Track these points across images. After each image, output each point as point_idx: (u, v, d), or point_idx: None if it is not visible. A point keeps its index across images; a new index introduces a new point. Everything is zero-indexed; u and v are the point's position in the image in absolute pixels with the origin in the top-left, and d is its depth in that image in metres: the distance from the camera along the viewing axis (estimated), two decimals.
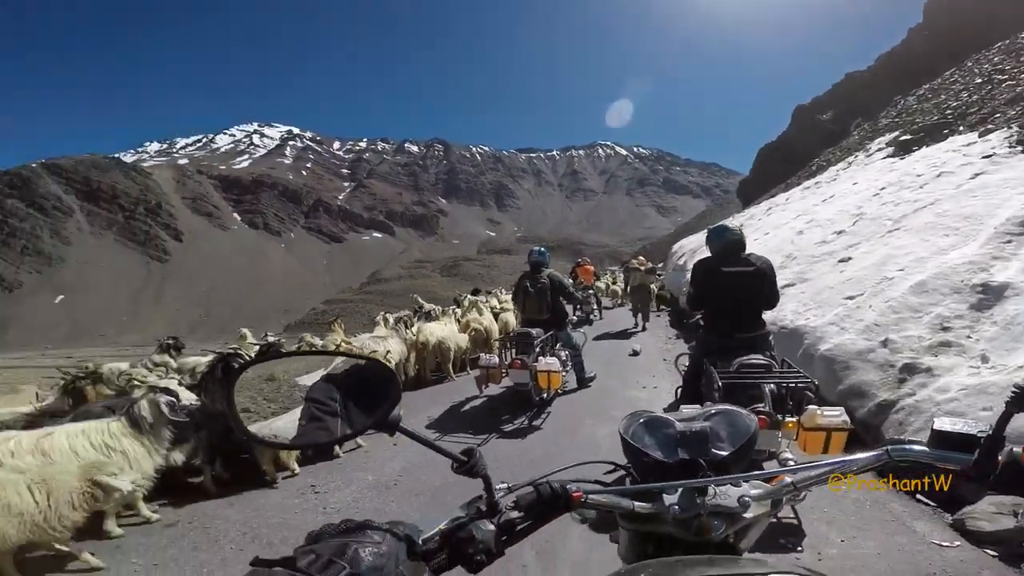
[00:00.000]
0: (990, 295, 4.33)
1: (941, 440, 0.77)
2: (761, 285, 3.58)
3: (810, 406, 2.70)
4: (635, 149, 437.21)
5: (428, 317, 9.56)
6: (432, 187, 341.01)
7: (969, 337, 4.02)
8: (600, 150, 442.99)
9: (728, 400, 2.98)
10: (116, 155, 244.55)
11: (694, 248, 15.15)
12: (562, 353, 6.33)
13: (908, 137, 12.99)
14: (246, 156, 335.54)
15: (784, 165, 36.99)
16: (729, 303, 3.62)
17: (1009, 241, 4.93)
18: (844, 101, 45.00)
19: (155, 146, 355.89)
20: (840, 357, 4.74)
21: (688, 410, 1.14)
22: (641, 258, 13.87)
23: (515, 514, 0.78)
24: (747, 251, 3.74)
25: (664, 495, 0.84)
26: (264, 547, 3.19)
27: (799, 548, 2.67)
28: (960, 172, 7.94)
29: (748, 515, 0.84)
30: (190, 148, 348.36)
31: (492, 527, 0.75)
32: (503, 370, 5.66)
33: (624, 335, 11.05)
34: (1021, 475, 0.71)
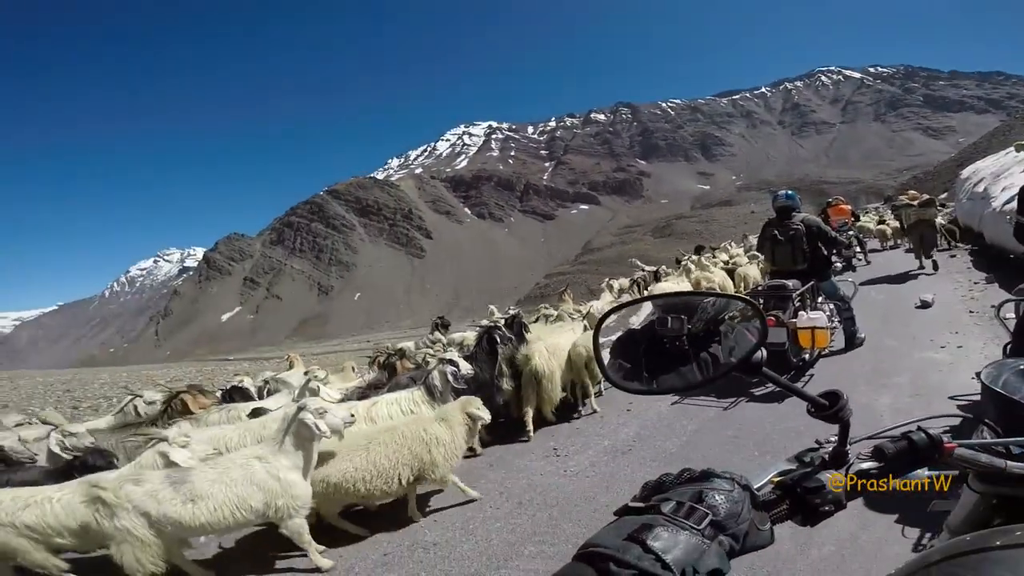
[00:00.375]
0: None
1: None
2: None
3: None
4: (872, 69, 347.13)
5: (656, 278, 9.44)
6: (628, 151, 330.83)
7: None
8: (823, 77, 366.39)
9: None
10: (371, 175, 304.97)
11: (995, 171, 11.80)
12: (826, 307, 5.54)
13: None
14: (463, 156, 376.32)
15: None
16: None
17: None
18: None
19: (395, 161, 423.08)
20: None
21: None
22: (912, 192, 11.80)
23: (869, 464, 0.72)
24: None
25: None
26: (516, 505, 3.47)
27: None
28: None
29: None
30: (420, 157, 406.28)
31: (841, 477, 0.71)
32: None
33: (903, 280, 9.21)
34: None
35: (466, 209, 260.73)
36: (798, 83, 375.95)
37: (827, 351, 5.27)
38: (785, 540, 2.48)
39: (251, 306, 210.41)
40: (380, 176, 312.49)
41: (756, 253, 9.18)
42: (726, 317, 0.77)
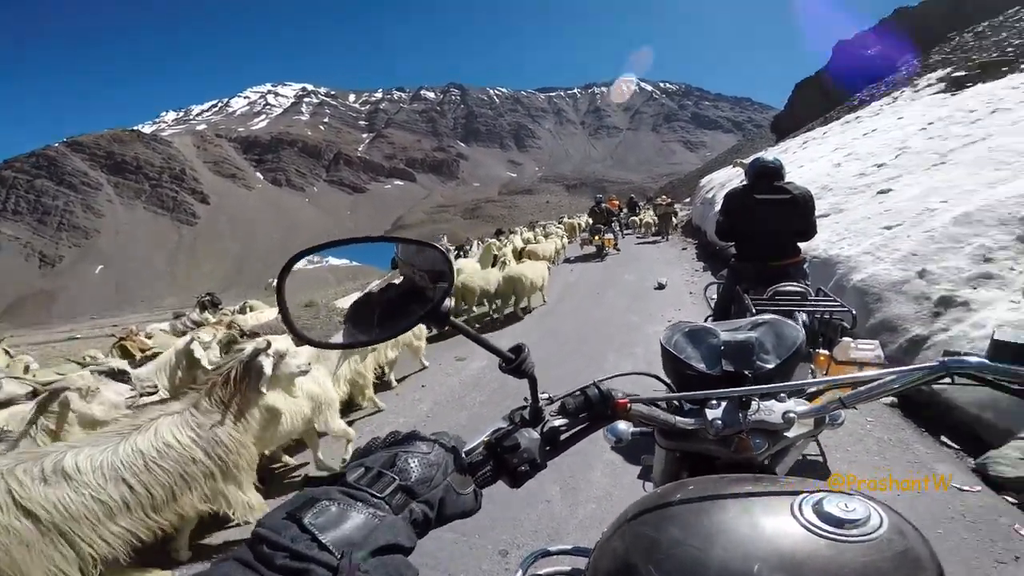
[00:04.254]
0: None
1: (1001, 350, 0.68)
2: (795, 212, 3.40)
3: (844, 338, 2.51)
4: (661, 84, 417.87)
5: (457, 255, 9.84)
6: (451, 132, 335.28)
7: (1012, 269, 3.88)
8: (624, 86, 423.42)
9: None
10: (135, 127, 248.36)
11: (723, 181, 15.31)
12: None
13: (962, 73, 12.69)
14: (263, 116, 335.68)
15: (822, 100, 36.15)
16: (762, 231, 3.45)
17: None
18: (891, 37, 44.06)
19: (171, 115, 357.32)
20: (873, 288, 4.61)
21: (734, 322, 1.05)
22: (664, 196, 19.53)
23: (559, 421, 0.73)
24: (785, 180, 3.56)
25: (707, 410, 0.79)
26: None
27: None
28: (1018, 109, 7.72)
29: (790, 434, 0.78)
30: (206, 114, 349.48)
31: (536, 435, 0.70)
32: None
33: (649, 264, 11.35)
34: None
35: (258, 174, 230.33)
36: (604, 88, 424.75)
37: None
38: (557, 502, 2.77)
39: None
40: (147, 130, 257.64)
41: (552, 230, 15.35)
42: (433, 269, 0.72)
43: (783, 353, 0.91)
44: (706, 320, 4.30)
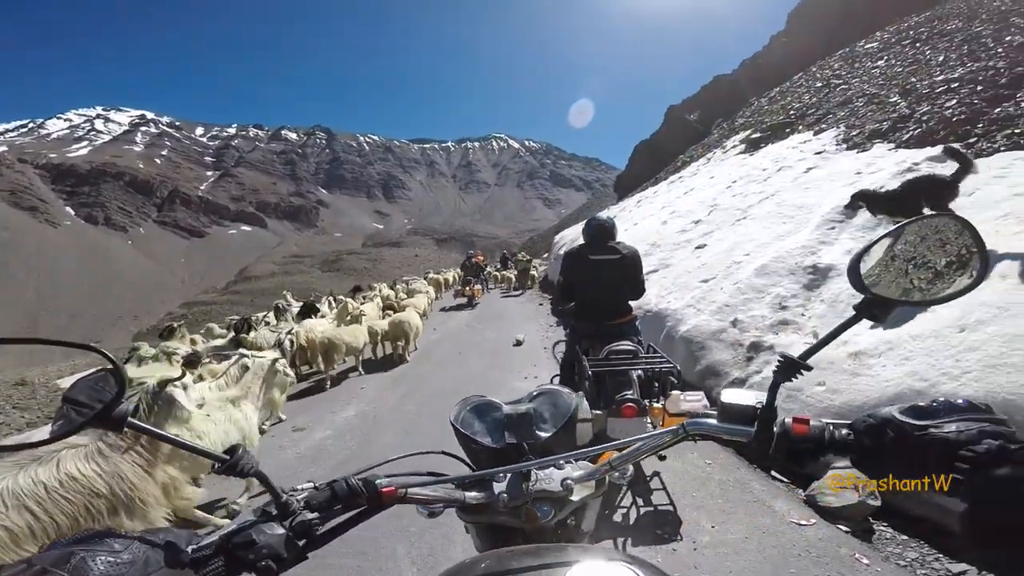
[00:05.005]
0: (818, 275, 4.71)
1: (727, 413, 0.76)
2: (626, 272, 3.52)
3: (674, 391, 2.62)
4: (527, 142, 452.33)
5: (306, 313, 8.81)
6: (312, 177, 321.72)
7: (803, 315, 4.31)
8: (495, 142, 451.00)
9: (598, 388, 2.96)
10: None
11: (573, 238, 16.33)
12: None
13: (757, 135, 14.44)
14: (85, 143, 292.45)
15: (655, 161, 39.80)
16: (596, 291, 3.54)
17: (832, 227, 5.46)
18: (711, 102, 48.21)
19: None
20: (697, 338, 4.87)
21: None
22: (523, 252, 22.13)
23: (310, 515, 0.69)
24: (617, 239, 3.66)
25: (494, 483, 0.84)
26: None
27: (678, 537, 2.67)
28: (796, 166, 8.90)
29: (575, 498, 0.85)
30: (11, 134, 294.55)
31: (280, 530, 0.66)
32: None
33: (510, 320, 11.34)
34: (793, 446, 0.69)
35: (68, 208, 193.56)
36: (476, 143, 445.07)
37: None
38: (403, 559, 2.66)
39: None
40: None
41: (419, 288, 14.21)
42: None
43: (559, 422, 0.97)
44: (552, 380, 4.31)
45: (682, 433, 0.80)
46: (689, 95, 59.47)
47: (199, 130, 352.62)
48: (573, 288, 3.70)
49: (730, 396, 0.77)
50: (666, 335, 5.37)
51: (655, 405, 2.76)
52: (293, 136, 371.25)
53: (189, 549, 0.60)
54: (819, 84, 16.25)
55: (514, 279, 18.31)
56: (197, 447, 0.72)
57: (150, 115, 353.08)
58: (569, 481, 0.83)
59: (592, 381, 2.93)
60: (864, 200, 4.87)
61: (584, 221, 3.96)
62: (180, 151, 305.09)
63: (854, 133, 9.12)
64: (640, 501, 3.00)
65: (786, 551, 2.49)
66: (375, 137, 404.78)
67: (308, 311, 9.16)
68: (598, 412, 2.82)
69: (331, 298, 13.93)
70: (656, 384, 2.99)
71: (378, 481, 0.75)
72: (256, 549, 0.63)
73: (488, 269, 21.27)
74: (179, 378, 2.78)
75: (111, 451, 2.43)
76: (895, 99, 9.67)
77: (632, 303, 3.66)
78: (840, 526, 2.65)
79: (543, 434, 0.94)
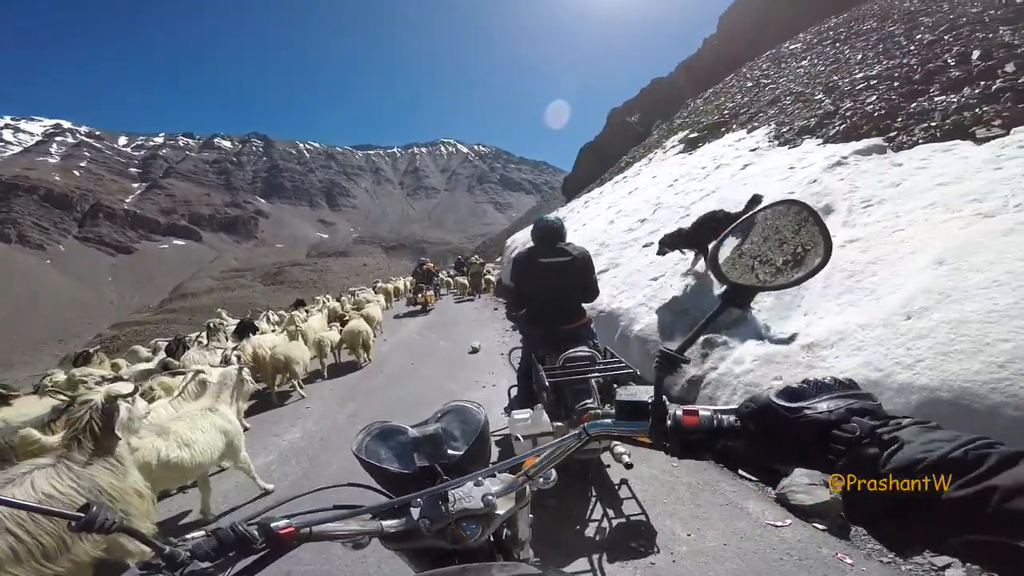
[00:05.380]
0: None
1: (622, 410, 0.78)
2: (577, 274, 3.39)
3: None
4: (476, 147, 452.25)
5: (244, 332, 8.13)
6: (249, 186, 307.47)
7: (753, 308, 4.30)
8: (443, 148, 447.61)
9: (556, 397, 2.83)
10: None
11: (524, 241, 16.09)
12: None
13: (695, 135, 14.84)
14: None
15: (600, 163, 40.98)
16: (549, 295, 3.40)
17: None
18: (649, 104, 49.63)
19: None
20: (651, 336, 4.81)
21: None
22: (476, 256, 21.77)
23: (202, 565, 0.64)
24: (567, 240, 3.55)
25: (411, 508, 0.82)
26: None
27: (654, 549, 2.53)
28: (733, 163, 9.14)
29: (501, 511, 0.84)
30: None
31: None
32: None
33: (462, 326, 11.14)
34: (686, 437, 0.70)
35: None
36: (423, 149, 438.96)
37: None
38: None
39: None
40: None
41: (367, 298, 12.75)
42: None
43: (470, 438, 0.95)
44: (509, 391, 4.08)
45: (584, 435, 0.80)
46: (629, 98, 61.60)
47: (122, 140, 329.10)
48: (524, 293, 3.57)
49: (624, 394, 0.79)
50: (620, 335, 5.30)
51: None
52: (227, 144, 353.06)
53: None
54: (750, 84, 16.95)
55: (468, 284, 18.25)
56: (45, 508, 0.70)
57: (66, 124, 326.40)
58: (490, 496, 0.82)
59: (550, 391, 2.82)
60: (666, 244, 5.64)
61: (535, 220, 3.78)
62: (101, 162, 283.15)
63: (784, 130, 9.49)
64: (611, 512, 2.86)
65: (767, 556, 2.41)
66: (316, 144, 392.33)
67: (245, 329, 8.50)
68: (559, 423, 2.70)
69: (269, 313, 13.02)
70: (616, 388, 2.87)
71: (274, 524, 0.69)
72: None
73: (440, 275, 21.34)
74: (130, 394, 2.82)
75: (79, 465, 2.41)
76: (820, 96, 10.18)
77: (585, 305, 3.53)
78: (816, 524, 2.59)
79: (455, 452, 0.93)
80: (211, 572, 0.65)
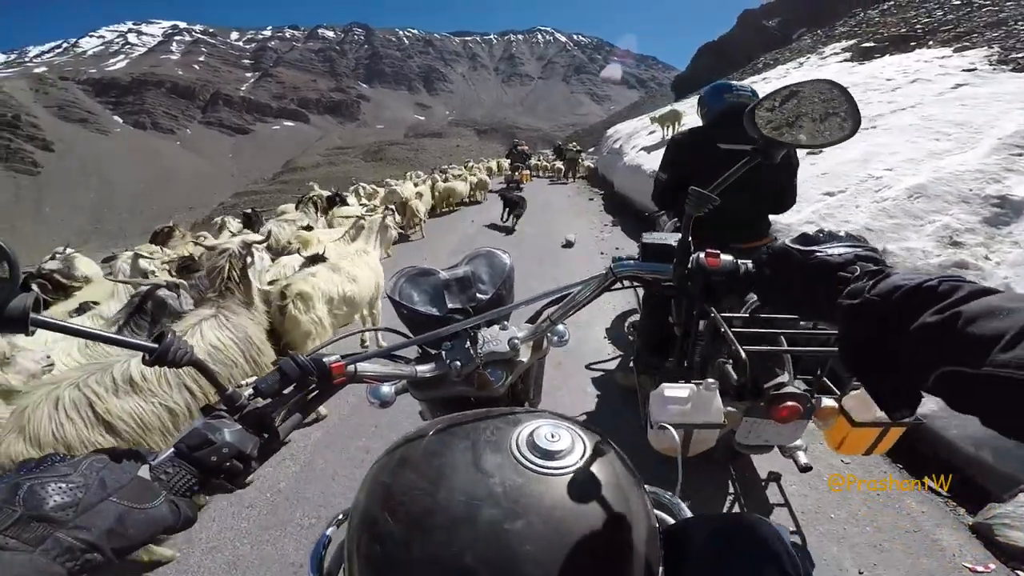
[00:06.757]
0: (1008, 210, 3.59)
1: (647, 252, 0.77)
2: (774, 173, 2.31)
3: (859, 388, 1.51)
4: (575, 37, 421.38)
5: (331, 203, 8.16)
6: (352, 72, 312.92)
7: (986, 257, 3.32)
8: (540, 36, 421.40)
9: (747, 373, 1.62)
10: None
11: (629, 132, 15.49)
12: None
13: (871, 44, 12.74)
14: (121, 57, 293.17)
15: (722, 63, 37.43)
16: (727, 199, 2.35)
17: (1021, 155, 4.23)
18: (793, 10, 45.63)
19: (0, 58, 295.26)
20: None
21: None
22: (573, 143, 22.51)
23: (262, 402, 0.64)
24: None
25: (443, 353, 0.82)
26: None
27: None
28: (939, 81, 7.40)
29: (523, 358, 0.86)
30: (47, 56, 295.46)
31: (237, 425, 0.60)
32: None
33: (554, 214, 10.61)
34: (708, 279, 0.72)
35: (116, 117, 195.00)
36: (520, 36, 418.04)
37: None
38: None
39: None
40: None
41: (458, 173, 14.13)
42: None
43: (497, 281, 0.94)
44: (629, 361, 3.23)
45: (610, 276, 0.81)
46: (769, 1, 56.38)
47: (234, 35, 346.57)
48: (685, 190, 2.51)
49: (650, 237, 0.79)
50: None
51: (825, 402, 1.54)
52: (330, 34, 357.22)
53: (151, 462, 0.54)
54: (957, 1, 13.75)
55: (563, 168, 18.59)
56: (117, 338, 0.62)
57: (182, 24, 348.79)
58: (516, 340, 0.83)
59: (741, 366, 1.58)
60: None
61: (708, 88, 2.59)
62: (217, 56, 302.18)
63: (1017, 55, 7.36)
64: None
65: None
66: (414, 31, 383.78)
67: (332, 202, 8.44)
68: (732, 409, 1.58)
69: (361, 186, 11.81)
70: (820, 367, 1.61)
71: (326, 359, 0.69)
72: (216, 450, 0.57)
73: (532, 160, 21.97)
74: (263, 241, 3.13)
75: (234, 316, 2.45)
76: None
77: (773, 218, 2.54)
78: (1021, 573, 1.87)
79: (482, 296, 0.92)
80: (267, 411, 0.64)
